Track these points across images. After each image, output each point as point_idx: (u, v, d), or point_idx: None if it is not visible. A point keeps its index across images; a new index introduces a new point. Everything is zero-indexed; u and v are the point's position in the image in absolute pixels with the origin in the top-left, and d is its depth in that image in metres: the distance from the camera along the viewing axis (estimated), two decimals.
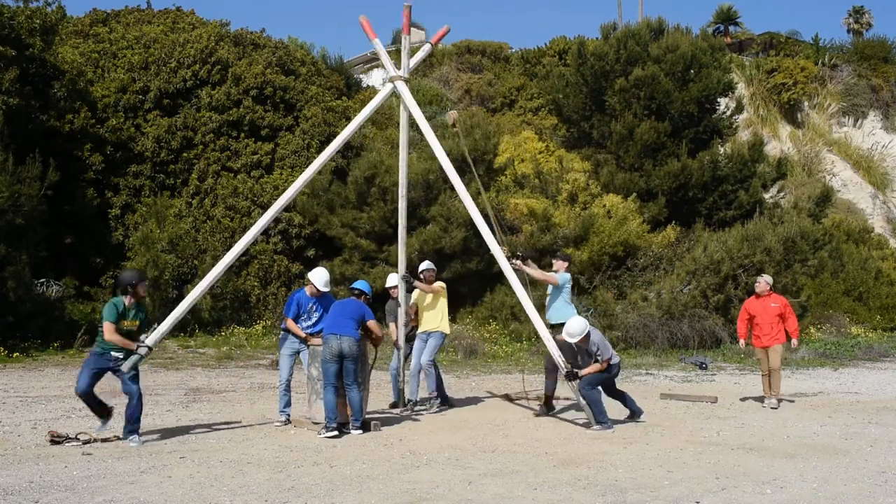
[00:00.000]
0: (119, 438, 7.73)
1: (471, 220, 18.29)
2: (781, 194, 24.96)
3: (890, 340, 19.40)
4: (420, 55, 10.30)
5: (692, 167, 21.09)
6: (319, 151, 20.81)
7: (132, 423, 7.68)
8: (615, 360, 8.95)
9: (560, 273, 9.58)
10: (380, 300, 10.90)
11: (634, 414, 9.12)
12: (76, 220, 18.82)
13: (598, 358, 8.74)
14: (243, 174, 20.08)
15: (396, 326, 9.86)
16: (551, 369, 9.28)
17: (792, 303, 17.12)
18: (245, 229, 18.43)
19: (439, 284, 9.87)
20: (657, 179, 21.09)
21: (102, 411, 7.85)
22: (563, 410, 9.79)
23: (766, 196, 22.88)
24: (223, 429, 8.56)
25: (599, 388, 8.77)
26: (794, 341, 10.52)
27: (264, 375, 12.99)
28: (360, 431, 8.24)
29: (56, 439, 7.59)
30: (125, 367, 7.71)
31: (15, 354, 13.98)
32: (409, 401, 9.74)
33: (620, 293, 18.42)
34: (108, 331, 7.62)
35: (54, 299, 16.66)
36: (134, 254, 18.00)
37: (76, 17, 24.13)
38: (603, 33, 24.07)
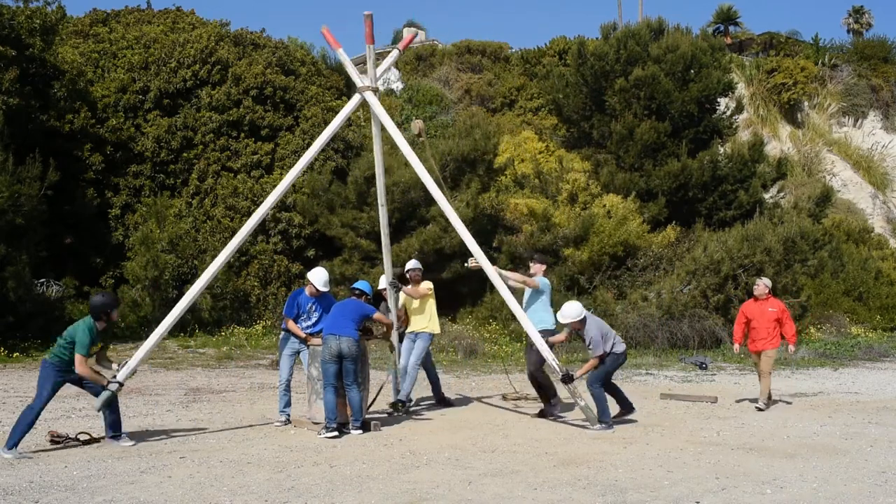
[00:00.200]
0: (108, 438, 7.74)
1: (471, 219, 18.47)
2: (781, 194, 24.95)
3: (890, 340, 19.38)
4: (387, 63, 9.97)
5: (692, 167, 21.09)
6: (319, 151, 20.89)
7: (115, 430, 7.67)
8: (620, 348, 8.83)
9: (538, 277, 9.40)
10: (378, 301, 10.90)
11: (626, 410, 9.08)
12: (76, 220, 18.83)
13: (589, 350, 8.68)
14: (243, 174, 20.09)
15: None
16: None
17: (792, 303, 17.26)
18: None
19: (426, 286, 9.76)
20: (657, 179, 21.08)
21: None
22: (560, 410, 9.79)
23: (766, 196, 22.87)
24: (223, 429, 8.56)
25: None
26: (791, 347, 10.36)
27: (264, 375, 12.99)
28: (360, 431, 8.25)
29: (56, 439, 7.59)
30: (96, 405, 7.59)
31: (15, 354, 13.98)
32: (398, 401, 9.70)
33: (620, 293, 18.41)
34: (79, 363, 7.33)
35: (54, 299, 16.67)
36: (134, 254, 18.02)
37: (76, 17, 24.15)
38: (603, 33, 24.06)
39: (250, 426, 8.72)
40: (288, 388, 8.89)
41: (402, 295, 9.83)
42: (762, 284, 10.42)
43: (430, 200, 18.89)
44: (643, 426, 8.79)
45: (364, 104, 9.72)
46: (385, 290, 9.99)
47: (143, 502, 5.72)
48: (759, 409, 9.97)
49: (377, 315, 8.76)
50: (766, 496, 5.92)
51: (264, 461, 6.97)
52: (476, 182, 19.42)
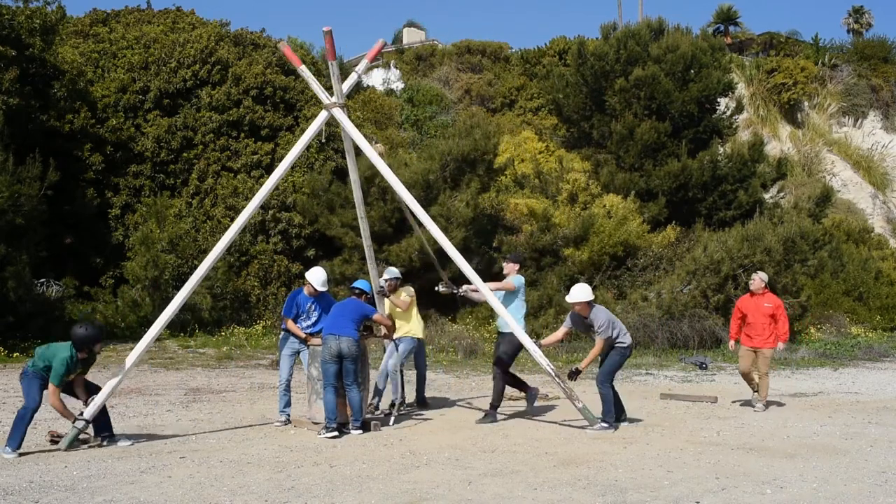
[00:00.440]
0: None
1: (471, 219, 18.48)
2: (781, 194, 24.96)
3: (890, 340, 19.40)
4: (353, 78, 9.63)
5: (692, 167, 21.09)
6: (319, 151, 20.93)
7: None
8: (626, 340, 8.76)
9: (513, 276, 9.17)
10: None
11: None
12: (76, 220, 18.83)
13: (598, 332, 8.54)
14: (243, 174, 20.09)
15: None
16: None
17: (792, 303, 17.25)
18: (245, 230, 18.51)
19: (407, 294, 9.65)
20: (657, 179, 21.09)
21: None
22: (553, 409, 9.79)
23: (766, 196, 22.88)
24: (223, 429, 8.56)
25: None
26: (781, 344, 10.05)
27: (264, 375, 12.99)
28: (360, 431, 8.25)
29: (56, 439, 7.59)
30: (62, 445, 7.38)
31: (15, 354, 13.97)
32: (392, 403, 9.66)
33: (620, 293, 18.42)
34: (52, 394, 7.20)
35: (54, 299, 16.66)
36: (134, 254, 18.02)
37: (76, 17, 24.14)
38: (603, 33, 24.06)
39: (250, 426, 8.72)
40: (288, 388, 8.89)
41: (387, 302, 9.76)
42: (758, 279, 10.19)
43: (430, 201, 18.98)
44: (643, 426, 8.79)
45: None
46: (388, 282, 9.90)
47: (143, 502, 5.72)
48: (757, 411, 9.91)
49: (377, 316, 8.75)
50: (766, 496, 5.91)
51: (264, 461, 6.97)
52: (476, 182, 19.41)
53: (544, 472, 6.61)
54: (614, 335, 8.68)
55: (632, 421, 9.00)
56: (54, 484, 6.17)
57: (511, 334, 8.80)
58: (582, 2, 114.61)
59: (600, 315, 8.65)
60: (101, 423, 7.68)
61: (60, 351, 7.33)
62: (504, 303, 8.90)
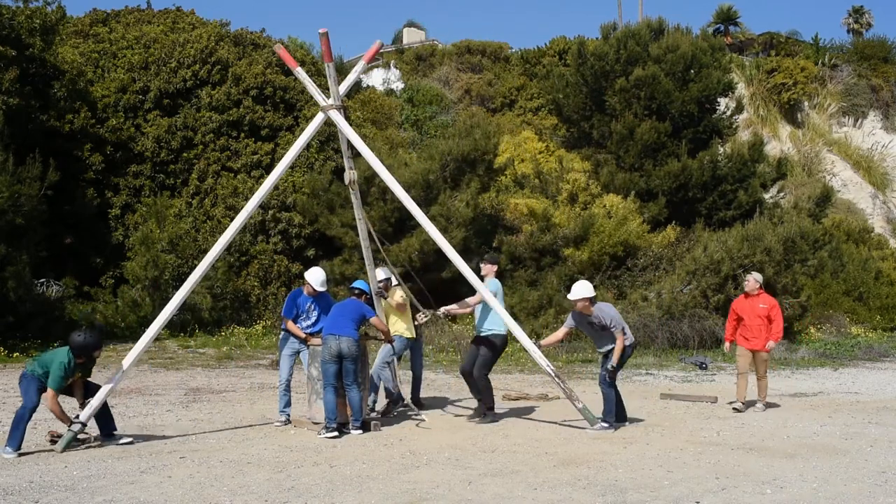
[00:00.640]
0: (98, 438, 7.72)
1: (471, 219, 18.47)
2: (781, 194, 24.97)
3: (890, 340, 19.40)
4: (350, 79, 9.56)
5: (692, 167, 21.10)
6: (319, 151, 20.94)
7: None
8: (629, 339, 8.75)
9: (489, 279, 9.12)
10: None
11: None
12: (76, 220, 18.83)
13: (612, 328, 8.48)
14: (243, 174, 20.09)
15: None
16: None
17: (792, 303, 17.24)
18: (245, 230, 18.51)
19: (400, 295, 9.65)
20: (657, 179, 21.09)
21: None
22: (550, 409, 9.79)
23: (766, 196, 22.89)
24: (223, 429, 8.56)
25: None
26: (771, 343, 9.81)
27: (264, 375, 12.99)
28: (360, 431, 8.25)
29: (56, 439, 7.58)
30: (57, 447, 7.34)
31: (15, 354, 13.98)
32: (389, 402, 9.65)
33: (620, 293, 18.42)
34: (50, 399, 7.25)
35: (54, 299, 16.66)
36: (134, 254, 18.02)
37: (76, 17, 24.15)
38: (603, 33, 24.08)
39: (250, 426, 8.72)
40: (288, 388, 8.88)
41: (382, 302, 9.76)
42: (752, 279, 9.95)
43: (430, 201, 18.99)
44: (643, 426, 8.79)
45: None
46: (381, 283, 9.89)
47: (143, 502, 5.72)
48: (736, 410, 9.78)
49: (374, 320, 8.68)
50: (766, 496, 5.91)
51: (264, 461, 6.97)
52: (476, 182, 19.41)
53: (544, 472, 6.61)
54: (624, 325, 8.72)
55: (632, 421, 9.00)
56: (54, 484, 6.17)
57: (491, 338, 8.92)
58: (582, 2, 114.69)
59: (608, 311, 8.65)
60: (104, 421, 7.69)
61: (58, 357, 7.40)
62: (483, 307, 8.95)
